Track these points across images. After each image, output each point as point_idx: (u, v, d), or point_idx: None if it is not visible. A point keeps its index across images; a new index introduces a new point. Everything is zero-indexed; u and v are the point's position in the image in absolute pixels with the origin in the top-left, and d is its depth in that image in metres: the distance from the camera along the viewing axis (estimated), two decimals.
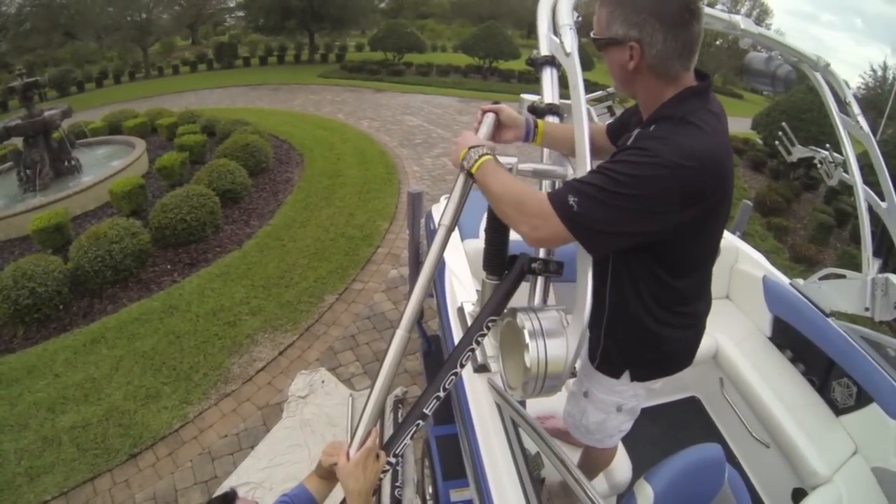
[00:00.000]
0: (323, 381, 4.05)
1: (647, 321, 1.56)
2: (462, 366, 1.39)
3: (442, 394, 1.37)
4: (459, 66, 25.64)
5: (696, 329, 1.70)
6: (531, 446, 1.91)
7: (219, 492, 2.60)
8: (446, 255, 3.07)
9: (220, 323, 4.77)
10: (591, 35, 1.45)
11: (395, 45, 25.65)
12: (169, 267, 5.74)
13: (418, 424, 1.37)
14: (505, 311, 1.45)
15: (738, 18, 2.16)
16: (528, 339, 1.25)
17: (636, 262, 1.49)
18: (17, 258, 5.62)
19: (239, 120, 10.36)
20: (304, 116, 14.08)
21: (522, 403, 2.06)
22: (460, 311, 2.50)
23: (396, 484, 3.15)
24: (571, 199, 1.23)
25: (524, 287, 1.49)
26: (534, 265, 1.42)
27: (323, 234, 6.50)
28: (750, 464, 3.11)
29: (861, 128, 2.61)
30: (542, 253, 1.45)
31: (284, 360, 4.41)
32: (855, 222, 10.82)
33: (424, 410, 1.36)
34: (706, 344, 3.21)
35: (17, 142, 8.42)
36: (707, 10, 1.58)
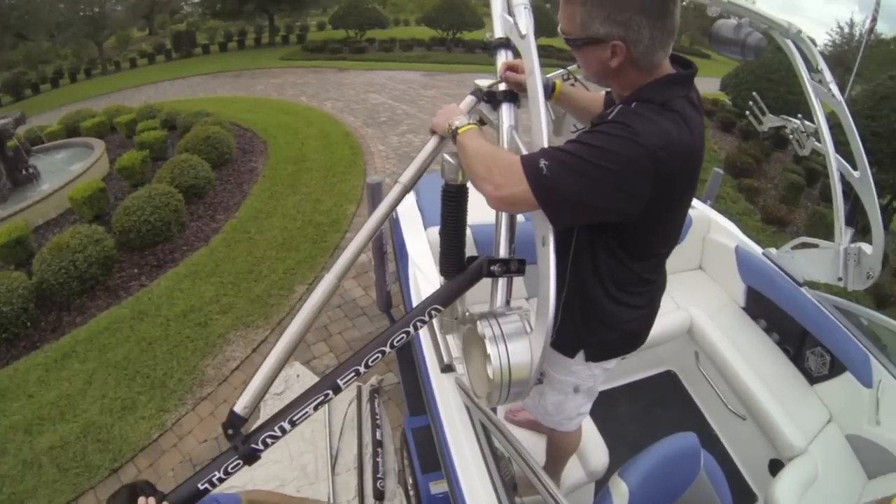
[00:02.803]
0: (298, 376, 3.99)
1: (604, 301, 1.55)
2: (393, 346, 1.34)
3: (362, 369, 1.31)
4: (423, 40, 25.40)
5: (651, 308, 1.70)
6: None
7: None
8: (409, 246, 3.05)
9: (192, 324, 4.67)
10: (561, 32, 1.38)
11: (357, 21, 25.27)
12: (136, 271, 5.58)
13: (327, 395, 1.31)
14: (466, 316, 1.42)
15: None
16: (489, 349, 1.20)
17: (599, 243, 1.47)
18: None
19: (200, 111, 10.10)
20: (267, 102, 13.81)
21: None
22: None
23: (378, 475, 3.17)
24: (542, 163, 1.21)
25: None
26: (493, 267, 1.35)
27: (290, 224, 6.40)
28: (727, 437, 3.16)
29: (833, 95, 2.59)
30: (502, 252, 1.40)
31: (258, 356, 4.32)
32: (825, 181, 10.98)
33: (339, 381, 1.31)
34: (681, 318, 3.24)
35: None
36: None
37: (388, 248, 4.23)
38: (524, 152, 1.37)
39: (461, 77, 17.93)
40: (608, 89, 1.64)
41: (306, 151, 9.01)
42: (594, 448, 2.46)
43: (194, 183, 6.95)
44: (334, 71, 19.12)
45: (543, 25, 1.62)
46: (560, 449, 2.28)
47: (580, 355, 1.68)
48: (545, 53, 20.88)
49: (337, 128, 10.65)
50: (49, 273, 5.01)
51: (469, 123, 1.42)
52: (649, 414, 3.20)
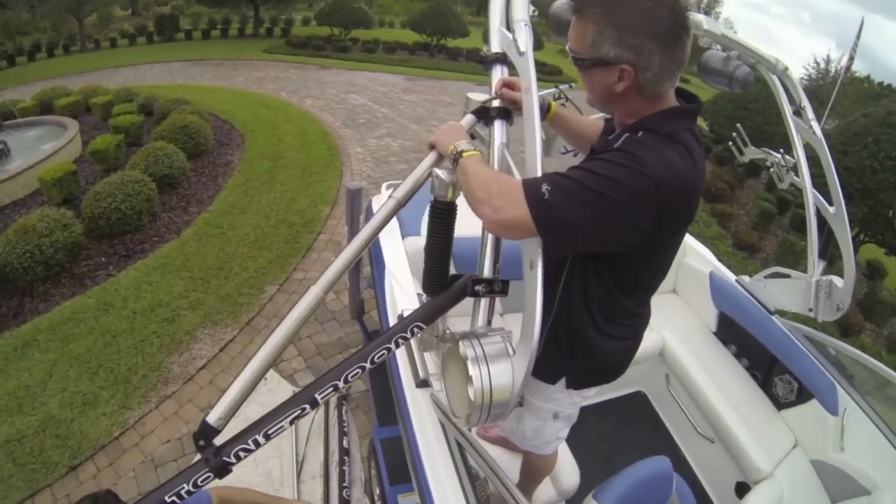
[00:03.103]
0: (265, 379, 3.93)
1: (591, 332, 1.54)
2: (373, 363, 1.30)
3: (341, 384, 1.27)
4: (407, 44, 25.34)
5: (635, 340, 1.70)
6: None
7: None
8: (386, 256, 3.02)
9: (159, 319, 4.56)
10: (570, 51, 1.35)
11: (342, 20, 25.10)
12: (104, 260, 5.44)
13: (304, 409, 1.26)
14: (446, 335, 1.40)
15: (701, 18, 2.13)
16: (471, 370, 1.17)
17: (591, 274, 1.46)
18: None
19: (178, 98, 9.92)
20: (247, 94, 13.65)
21: None
22: (401, 318, 2.45)
23: (344, 484, 3.13)
24: (545, 188, 1.18)
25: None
26: (477, 287, 1.32)
27: (263, 221, 6.33)
28: (695, 458, 3.20)
29: (814, 132, 2.65)
30: (486, 272, 1.36)
31: (226, 356, 4.26)
32: (795, 210, 11.24)
33: (316, 396, 1.26)
34: (652, 341, 3.28)
35: None
36: None
37: (362, 255, 4.19)
38: (515, 171, 1.36)
39: (442, 84, 17.99)
40: (609, 116, 1.62)
41: (283, 148, 8.94)
42: (565, 467, 2.47)
43: (168, 172, 6.82)
44: (316, 68, 19.01)
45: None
46: (536, 470, 2.28)
47: (561, 383, 1.67)
48: None
49: (315, 126, 10.58)
50: (13, 256, 4.86)
51: (474, 149, 1.39)
52: (619, 434, 3.21)
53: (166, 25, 27.35)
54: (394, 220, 3.35)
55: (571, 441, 2.49)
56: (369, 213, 3.71)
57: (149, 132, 8.67)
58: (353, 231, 3.49)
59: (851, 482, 2.62)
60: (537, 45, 1.57)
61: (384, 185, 4.11)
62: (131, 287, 4.98)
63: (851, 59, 16.51)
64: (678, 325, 3.48)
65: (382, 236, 3.18)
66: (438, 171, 1.42)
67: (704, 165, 1.39)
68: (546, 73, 22.92)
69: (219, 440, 1.23)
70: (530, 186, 1.20)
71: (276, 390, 3.82)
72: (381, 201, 3.41)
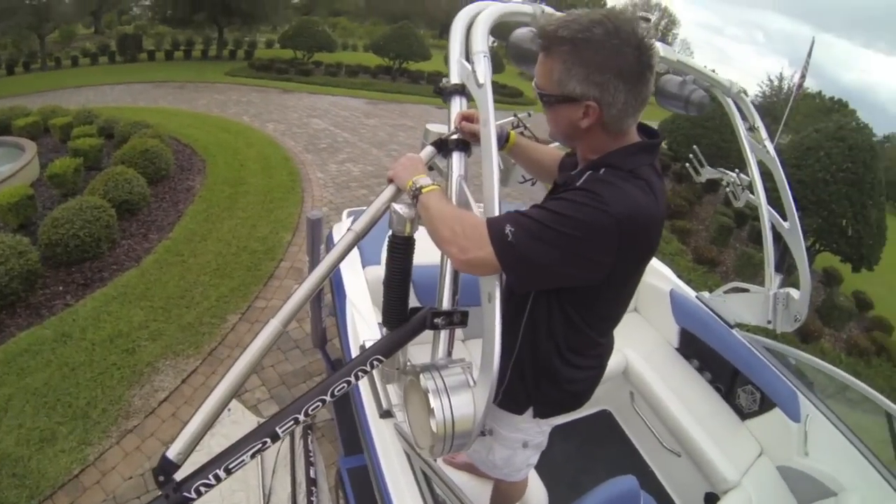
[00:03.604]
0: (229, 410, 3.84)
1: (556, 362, 1.55)
2: (333, 396, 1.30)
3: (302, 418, 1.27)
4: (369, 67, 25.47)
5: (600, 369, 1.72)
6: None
7: None
8: (346, 286, 3.01)
9: (119, 351, 4.42)
10: (536, 87, 1.37)
11: (306, 43, 25.11)
12: (61, 289, 5.26)
13: (265, 443, 1.26)
14: (407, 367, 1.41)
15: (658, 45, 2.18)
16: (432, 402, 1.19)
17: (556, 307, 1.47)
18: None
19: (140, 121, 9.74)
20: (209, 118, 13.49)
21: None
22: (363, 348, 2.45)
23: None
24: (508, 229, 1.21)
25: None
26: (436, 320, 1.33)
27: (225, 249, 6.24)
28: (663, 473, 3.23)
29: (768, 152, 2.74)
30: (445, 304, 1.37)
31: (188, 388, 4.15)
32: (752, 223, 11.52)
33: (277, 430, 1.26)
34: (615, 360, 3.30)
35: None
36: None
37: (323, 284, 4.17)
38: (473, 204, 1.38)
39: (403, 107, 18.14)
40: (568, 150, 1.66)
41: (245, 174, 8.89)
42: (533, 489, 2.46)
43: (128, 198, 6.67)
44: (278, 92, 18.94)
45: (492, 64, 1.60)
46: (506, 497, 2.28)
47: (528, 412, 1.68)
48: None
49: (277, 151, 10.56)
50: None
51: (433, 184, 1.41)
52: (585, 453, 3.23)
53: (129, 45, 26.90)
54: (354, 250, 3.35)
55: (538, 463, 2.51)
56: (330, 242, 3.69)
57: (109, 156, 8.49)
58: (314, 261, 3.47)
59: (818, 485, 2.70)
60: (499, 68, 1.60)
61: (345, 213, 4.10)
62: (90, 317, 4.82)
63: (803, 76, 17.15)
64: (641, 343, 3.54)
65: (343, 265, 3.15)
66: (396, 206, 1.43)
67: (665, 198, 1.43)
68: (507, 94, 23.35)
69: (179, 475, 1.23)
70: (494, 227, 1.24)
71: (241, 421, 3.74)
72: (342, 229, 3.40)
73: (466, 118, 1.56)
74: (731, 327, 3.27)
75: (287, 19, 30.37)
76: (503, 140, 1.85)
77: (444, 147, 1.57)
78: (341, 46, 31.99)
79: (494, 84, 1.46)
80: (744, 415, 3.18)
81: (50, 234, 5.47)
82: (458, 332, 3.20)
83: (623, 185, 1.27)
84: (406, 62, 25.26)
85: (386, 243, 1.49)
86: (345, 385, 1.31)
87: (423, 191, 1.38)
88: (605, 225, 1.20)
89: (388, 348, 1.37)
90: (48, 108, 11.52)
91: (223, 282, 5.56)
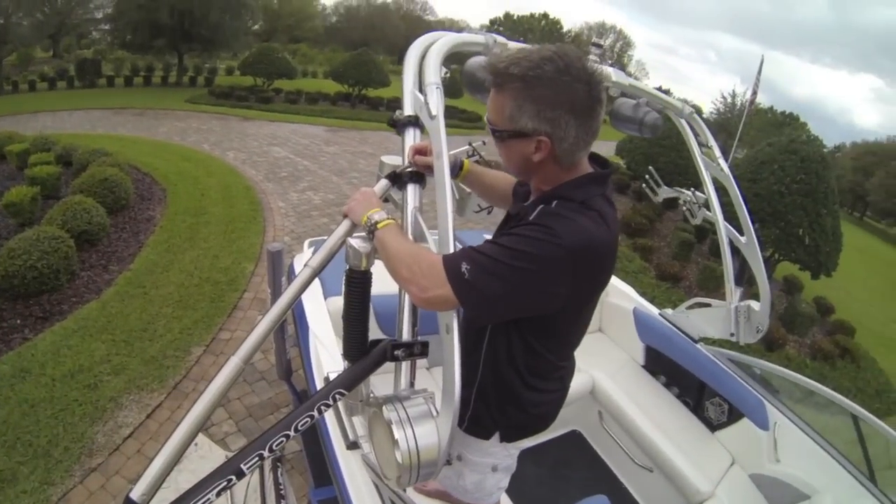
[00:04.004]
0: (196, 444, 3.73)
1: (519, 387, 1.57)
2: (297, 430, 1.29)
3: (266, 454, 1.26)
4: (329, 94, 25.59)
5: (563, 390, 1.74)
6: None
7: None
8: (309, 318, 2.99)
9: (80, 386, 4.27)
10: (488, 122, 1.40)
11: (266, 70, 25.04)
12: (19, 322, 5.07)
13: (230, 480, 1.23)
14: (370, 399, 1.40)
15: (609, 71, 2.22)
16: (396, 434, 1.19)
17: (514, 335, 1.49)
18: None
19: (99, 149, 9.55)
20: (169, 146, 13.29)
21: None
22: (327, 380, 2.43)
23: None
24: (464, 267, 1.23)
25: None
26: (397, 352, 1.34)
27: (187, 280, 6.14)
28: (637, 489, 3.24)
29: (722, 169, 2.83)
30: (405, 336, 1.38)
31: (153, 423, 4.03)
32: (713, 237, 11.75)
33: (242, 467, 1.24)
34: (582, 381, 3.34)
35: None
36: None
37: (286, 316, 4.14)
38: (428, 237, 1.40)
39: (363, 134, 18.27)
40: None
41: (206, 203, 8.79)
42: None
43: (87, 228, 6.50)
44: (239, 119, 18.86)
45: (450, 88, 1.62)
46: None
47: (495, 437, 1.69)
48: (447, 114, 21.07)
49: (238, 180, 10.50)
50: None
51: (388, 218, 1.42)
52: (558, 475, 3.24)
53: (88, 70, 26.29)
54: (316, 281, 3.32)
55: (510, 487, 2.50)
56: (291, 273, 3.66)
57: (67, 184, 8.32)
58: (276, 293, 3.46)
59: (791, 490, 2.76)
60: (458, 94, 1.62)
61: (306, 243, 4.08)
62: (49, 352, 4.66)
63: (755, 92, 17.62)
64: (607, 363, 3.58)
65: (305, 297, 3.14)
66: (352, 241, 1.43)
67: (618, 226, 1.46)
68: (466, 119, 23.66)
69: None
70: (450, 265, 1.26)
71: (208, 456, 3.65)
72: (303, 260, 3.38)
73: (420, 151, 1.58)
74: (696, 342, 3.33)
75: (247, 46, 30.21)
76: (457, 168, 1.88)
77: (398, 179, 1.58)
78: (301, 73, 32.02)
79: (454, 109, 1.49)
80: (713, 427, 3.24)
81: (6, 265, 5.28)
82: (423, 360, 3.21)
83: (575, 217, 1.31)
84: (365, 89, 25.50)
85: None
86: (308, 419, 1.31)
87: (379, 226, 1.40)
88: (559, 257, 1.24)
89: (350, 381, 1.37)
90: (4, 134, 11.17)
91: (186, 314, 5.46)
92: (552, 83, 1.27)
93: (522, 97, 1.29)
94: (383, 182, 1.59)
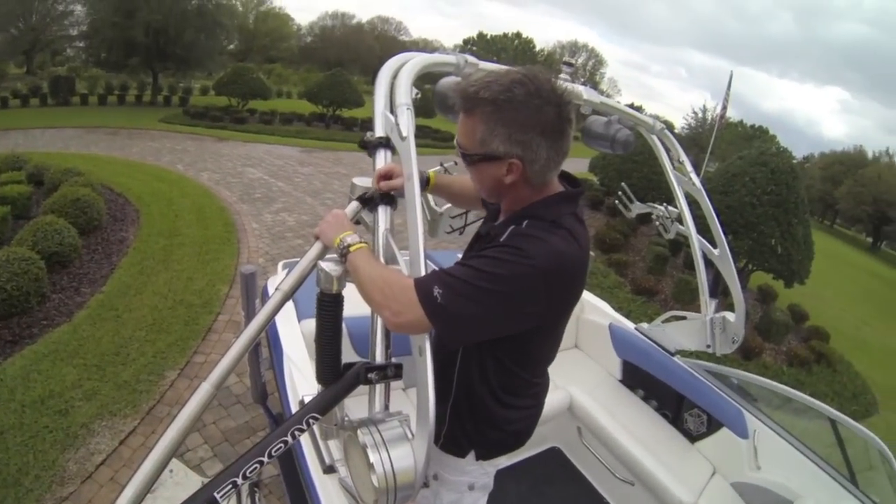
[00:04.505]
0: (171, 471, 3.63)
1: (492, 404, 1.57)
2: (271, 456, 1.28)
3: (241, 481, 1.24)
4: (303, 114, 25.61)
5: (537, 407, 1.74)
6: None
7: None
8: (283, 341, 2.96)
9: (51, 412, 4.15)
10: (458, 146, 1.40)
11: (241, 90, 24.90)
12: None
13: None
14: (345, 422, 1.39)
15: (581, 89, 2.26)
16: (371, 458, 1.18)
17: (487, 354, 1.50)
18: None
19: (71, 168, 9.40)
20: (143, 166, 13.13)
21: None
22: (302, 403, 2.40)
23: None
24: (436, 291, 1.22)
25: None
26: (370, 375, 1.33)
27: (161, 302, 6.04)
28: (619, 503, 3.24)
29: (694, 184, 2.87)
30: (378, 359, 1.38)
31: (126, 449, 3.93)
32: (687, 250, 11.91)
33: (215, 495, 1.22)
34: (560, 397, 3.34)
35: None
36: None
37: (260, 339, 4.11)
38: (400, 259, 1.40)
39: (338, 155, 18.29)
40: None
41: (180, 225, 8.72)
42: None
43: (59, 250, 6.36)
44: (213, 140, 18.73)
45: (423, 108, 1.63)
46: None
47: (471, 455, 1.68)
48: (419, 133, 21.16)
49: (212, 201, 10.44)
50: None
51: (360, 242, 1.42)
52: (539, 492, 3.23)
53: (61, 88, 25.83)
54: (289, 303, 3.29)
55: None
56: (265, 295, 3.63)
57: (38, 204, 8.13)
58: (250, 315, 3.44)
59: (773, 496, 2.78)
60: (431, 113, 1.62)
61: (280, 264, 4.07)
62: (19, 377, 4.52)
63: (725, 107, 18.01)
64: (584, 379, 3.59)
65: (278, 320, 3.11)
66: (323, 265, 1.42)
67: (588, 244, 1.47)
68: (440, 139, 23.61)
69: None
70: (422, 289, 1.26)
71: (183, 483, 3.57)
72: (277, 281, 3.36)
73: (385, 176, 1.58)
74: (672, 355, 3.36)
75: (222, 66, 30.08)
76: (424, 183, 1.89)
77: (369, 202, 1.58)
78: (276, 94, 31.91)
79: (427, 129, 1.49)
80: (693, 437, 3.25)
81: None
82: (399, 381, 3.19)
83: (545, 237, 1.31)
84: (340, 109, 25.56)
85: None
86: (282, 445, 1.29)
87: (351, 249, 1.40)
88: (531, 278, 1.24)
89: (323, 406, 1.36)
90: None
91: (160, 337, 5.37)
92: (523, 106, 1.27)
93: (493, 121, 1.30)
94: (354, 204, 1.59)
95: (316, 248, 1.49)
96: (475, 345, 1.50)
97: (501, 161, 1.33)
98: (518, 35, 65.33)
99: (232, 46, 42.47)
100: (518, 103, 1.27)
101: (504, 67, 1.43)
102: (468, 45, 61.45)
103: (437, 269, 1.34)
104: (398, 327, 1.30)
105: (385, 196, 1.57)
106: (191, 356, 5.15)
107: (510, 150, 1.31)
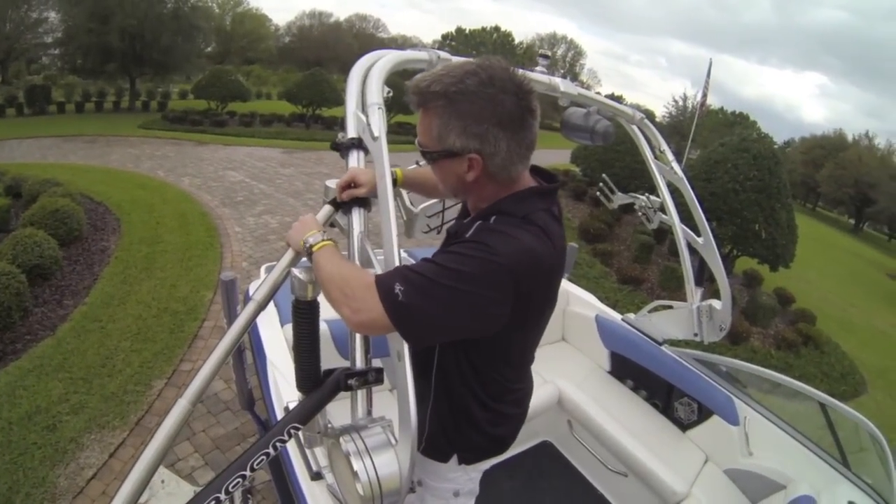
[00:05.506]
0: (163, 481, 3.61)
1: (474, 408, 1.53)
2: (254, 469, 1.25)
3: (223, 496, 1.20)
4: (283, 115, 25.51)
5: (521, 412, 1.70)
6: None
7: None
8: (266, 346, 2.93)
9: (38, 428, 4.09)
10: (418, 145, 1.37)
11: (219, 93, 24.71)
12: None
13: None
14: (328, 430, 1.37)
15: (557, 81, 2.23)
16: (355, 465, 1.16)
17: (462, 357, 1.45)
18: None
19: (49, 179, 9.27)
20: (122, 174, 12.98)
21: None
22: (287, 410, 2.38)
23: None
24: (398, 288, 1.16)
25: None
26: (351, 381, 1.30)
27: (145, 311, 5.98)
28: (612, 495, 3.24)
29: (676, 173, 2.86)
30: (358, 364, 1.34)
31: (117, 462, 3.88)
32: (671, 238, 11.97)
33: None
34: (549, 391, 3.34)
35: None
36: (527, 73, 1.55)
37: (244, 345, 4.09)
38: (375, 262, 1.36)
39: (319, 154, 18.18)
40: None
41: (161, 232, 8.63)
42: None
43: (39, 262, 6.25)
44: (193, 144, 18.55)
45: (404, 105, 1.61)
46: None
47: (454, 460, 1.64)
48: (401, 130, 21.30)
49: (194, 207, 10.36)
50: None
51: (324, 240, 1.38)
52: (532, 487, 3.23)
53: (38, 96, 25.38)
54: (271, 307, 3.25)
55: (485, 502, 2.49)
56: (248, 300, 3.61)
57: (17, 216, 8.01)
58: (231, 322, 3.40)
59: (766, 481, 2.80)
60: (408, 109, 1.59)
61: (263, 268, 4.02)
62: (4, 393, 4.45)
63: (705, 95, 18.16)
64: (572, 372, 3.59)
65: (261, 325, 3.09)
66: (296, 271, 1.39)
67: (564, 243, 1.44)
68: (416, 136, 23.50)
69: None
70: (383, 286, 1.20)
71: (176, 493, 3.55)
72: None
73: (346, 185, 1.54)
74: (660, 344, 3.36)
75: (200, 69, 29.78)
76: (393, 181, 1.85)
77: (342, 204, 1.55)
78: (255, 95, 31.75)
79: (407, 125, 1.45)
80: (684, 426, 3.26)
81: None
82: (387, 382, 3.17)
83: (514, 232, 1.27)
84: (320, 108, 25.48)
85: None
86: (263, 457, 1.27)
87: (314, 248, 1.36)
88: (496, 276, 1.19)
89: (304, 415, 1.33)
90: None
91: (146, 346, 5.31)
92: (476, 97, 1.23)
93: (447, 114, 1.26)
94: (326, 208, 1.56)
95: (287, 255, 1.47)
96: (450, 348, 1.46)
97: (460, 157, 1.29)
98: (497, 29, 65.11)
99: (209, 49, 42.04)
100: (471, 94, 1.23)
101: (460, 60, 1.40)
102: (447, 41, 61.25)
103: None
104: (359, 326, 1.26)
105: (359, 199, 1.53)
106: (178, 364, 5.10)
107: (467, 144, 1.27)
